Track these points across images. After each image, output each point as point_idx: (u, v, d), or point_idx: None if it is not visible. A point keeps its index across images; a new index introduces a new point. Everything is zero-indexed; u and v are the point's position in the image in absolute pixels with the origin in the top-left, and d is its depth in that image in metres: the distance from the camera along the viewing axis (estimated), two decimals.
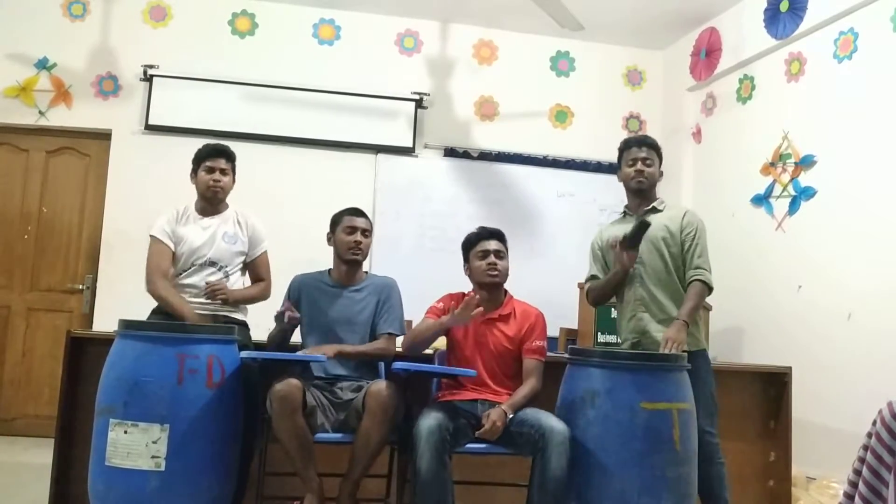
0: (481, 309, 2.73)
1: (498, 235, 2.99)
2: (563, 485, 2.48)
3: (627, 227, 2.93)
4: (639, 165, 3.04)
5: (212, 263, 3.13)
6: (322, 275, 3.07)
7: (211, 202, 3.22)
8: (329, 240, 3.07)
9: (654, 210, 3.05)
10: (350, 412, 2.72)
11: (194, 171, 3.23)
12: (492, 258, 2.91)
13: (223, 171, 3.21)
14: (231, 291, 3.12)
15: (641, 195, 3.07)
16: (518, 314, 2.93)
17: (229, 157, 3.26)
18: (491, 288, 2.93)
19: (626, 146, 3.11)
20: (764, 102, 4.71)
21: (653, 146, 3.09)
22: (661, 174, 3.10)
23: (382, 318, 2.98)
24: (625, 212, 3.15)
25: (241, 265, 3.24)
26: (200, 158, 3.22)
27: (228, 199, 3.32)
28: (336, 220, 3.07)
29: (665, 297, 2.93)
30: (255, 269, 3.26)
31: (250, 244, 3.24)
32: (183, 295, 3.10)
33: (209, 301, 3.10)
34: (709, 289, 2.96)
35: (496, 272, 2.91)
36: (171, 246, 3.14)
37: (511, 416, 2.63)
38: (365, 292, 3.01)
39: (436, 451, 2.48)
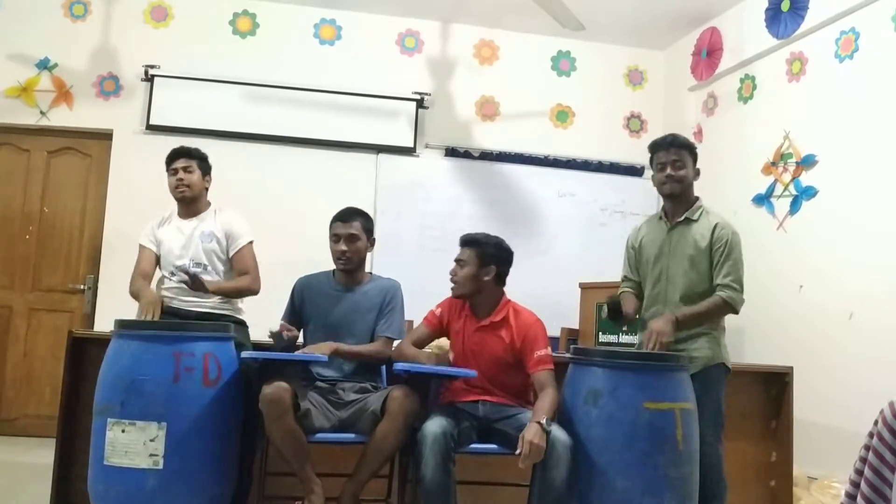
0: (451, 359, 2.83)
1: (465, 242, 2.88)
2: (564, 496, 2.47)
3: (660, 233, 2.93)
4: (668, 170, 2.88)
5: (196, 265, 3.12)
6: (326, 276, 3.06)
7: (182, 203, 3.23)
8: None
9: (688, 221, 2.90)
10: (364, 414, 2.71)
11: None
12: (453, 269, 2.87)
13: (186, 170, 3.21)
14: (211, 282, 3.07)
15: (675, 200, 2.93)
16: (514, 321, 2.83)
17: (190, 155, 3.25)
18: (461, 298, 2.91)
19: (654, 150, 2.94)
20: (765, 102, 4.71)
21: (683, 145, 2.92)
22: (697, 173, 2.92)
23: (382, 322, 2.97)
24: (661, 215, 3.00)
25: (228, 264, 3.20)
26: (166, 165, 3.26)
27: (216, 198, 3.31)
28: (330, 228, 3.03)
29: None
30: (238, 262, 3.19)
31: (228, 239, 3.19)
32: (171, 297, 3.11)
33: (204, 298, 3.08)
34: (731, 308, 2.78)
35: (453, 282, 2.86)
36: (155, 249, 3.20)
37: (550, 429, 2.49)
38: (368, 294, 3.00)
39: (440, 459, 2.47)
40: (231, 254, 3.19)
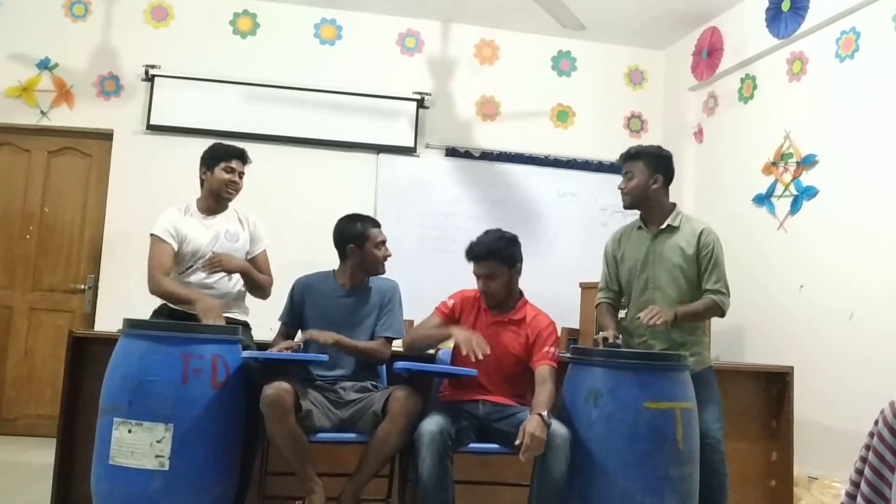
0: (488, 351, 2.67)
1: (485, 256, 2.80)
2: (564, 489, 2.48)
3: (642, 242, 2.93)
4: (620, 183, 2.97)
5: None
6: (326, 276, 3.06)
7: (221, 202, 3.21)
8: (352, 252, 2.99)
9: (670, 228, 2.92)
10: (364, 414, 2.71)
11: (209, 169, 3.18)
12: (481, 284, 2.84)
13: (241, 175, 3.23)
14: (231, 259, 3.07)
15: (645, 209, 2.95)
16: (529, 320, 2.85)
17: (246, 161, 3.27)
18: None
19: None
20: (765, 102, 4.71)
21: (630, 156, 2.95)
22: (654, 179, 2.91)
23: (381, 322, 2.97)
24: (640, 224, 3.01)
25: None
26: (220, 157, 3.18)
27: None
28: (362, 234, 2.98)
29: (677, 324, 2.83)
30: (256, 266, 3.21)
31: (251, 242, 3.23)
32: None
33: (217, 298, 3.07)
34: (720, 311, 2.86)
35: (488, 297, 2.84)
36: (174, 244, 3.08)
37: (550, 422, 2.52)
38: (369, 295, 3.01)
39: (437, 457, 2.48)
40: (249, 256, 3.21)
